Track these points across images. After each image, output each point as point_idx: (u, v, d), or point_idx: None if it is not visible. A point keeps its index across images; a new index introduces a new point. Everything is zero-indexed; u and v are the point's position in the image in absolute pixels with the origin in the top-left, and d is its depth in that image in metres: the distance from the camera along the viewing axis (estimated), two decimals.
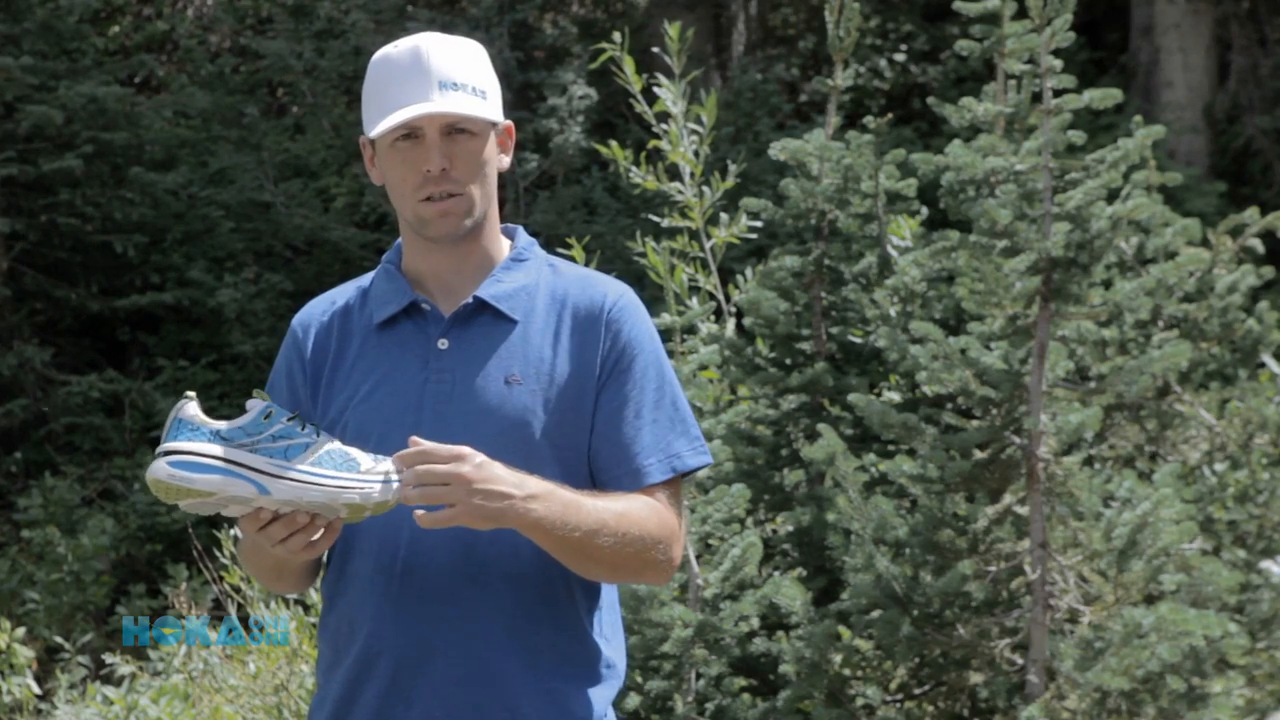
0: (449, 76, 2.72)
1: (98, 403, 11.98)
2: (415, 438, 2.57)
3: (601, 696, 2.77)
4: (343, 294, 2.88)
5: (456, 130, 2.73)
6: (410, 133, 2.73)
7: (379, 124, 2.72)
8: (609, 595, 2.83)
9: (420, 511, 2.55)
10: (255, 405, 2.57)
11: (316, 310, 2.88)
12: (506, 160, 2.84)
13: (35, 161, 11.97)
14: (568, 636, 2.75)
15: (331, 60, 13.51)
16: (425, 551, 2.69)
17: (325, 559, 2.83)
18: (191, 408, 2.54)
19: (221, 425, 2.54)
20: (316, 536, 2.57)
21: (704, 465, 2.81)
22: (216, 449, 2.51)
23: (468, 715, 2.69)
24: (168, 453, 2.51)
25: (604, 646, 2.79)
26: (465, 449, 2.55)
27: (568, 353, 2.76)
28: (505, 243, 2.87)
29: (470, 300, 2.77)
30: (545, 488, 2.61)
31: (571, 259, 5.01)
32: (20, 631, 7.02)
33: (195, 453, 2.51)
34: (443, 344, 2.76)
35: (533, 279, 2.81)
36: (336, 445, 2.57)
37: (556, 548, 2.64)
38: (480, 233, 2.80)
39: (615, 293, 2.80)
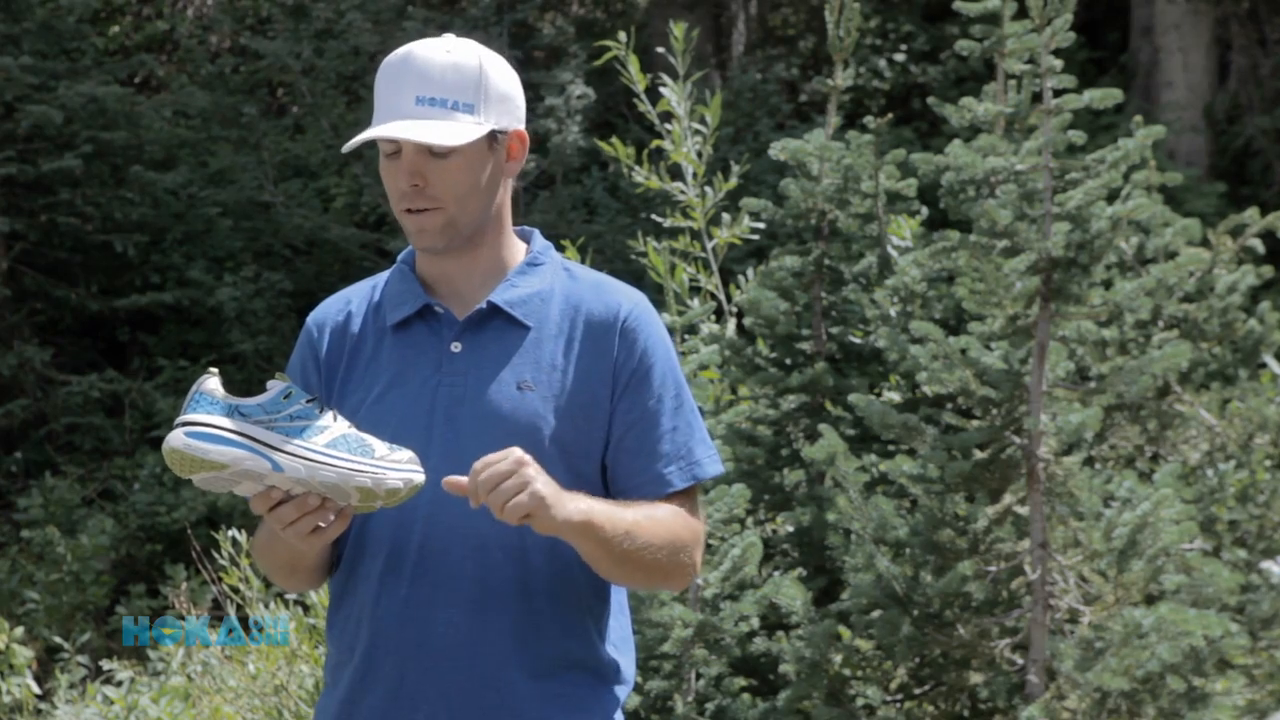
0: (429, 91, 2.69)
1: (98, 403, 11.98)
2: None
3: (610, 703, 2.77)
4: (358, 293, 2.87)
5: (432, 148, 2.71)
6: (393, 147, 2.72)
7: (354, 138, 2.73)
8: (618, 601, 2.82)
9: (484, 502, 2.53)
10: (275, 385, 2.57)
11: (332, 309, 2.87)
12: (515, 167, 2.80)
13: (35, 161, 11.98)
14: (577, 642, 2.74)
15: (330, 60, 13.52)
16: (435, 554, 2.69)
17: (336, 557, 2.83)
18: (212, 382, 2.55)
19: (240, 401, 2.55)
20: (326, 524, 2.57)
21: (720, 473, 2.83)
22: (233, 423, 2.52)
23: (473, 719, 2.69)
24: (185, 424, 2.52)
25: (613, 653, 2.79)
26: (521, 453, 2.56)
27: (579, 360, 2.75)
28: (520, 246, 2.85)
29: (484, 305, 2.77)
30: (583, 495, 2.62)
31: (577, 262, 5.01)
32: (20, 631, 7.01)
33: (212, 425, 2.51)
34: (456, 348, 2.75)
35: (547, 284, 2.80)
36: (353, 430, 2.57)
37: (600, 551, 2.64)
38: (482, 240, 2.79)
39: (630, 301, 2.79)
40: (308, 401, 2.57)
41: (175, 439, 2.51)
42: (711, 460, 2.80)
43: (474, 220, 2.75)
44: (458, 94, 2.70)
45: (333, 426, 2.56)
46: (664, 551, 2.69)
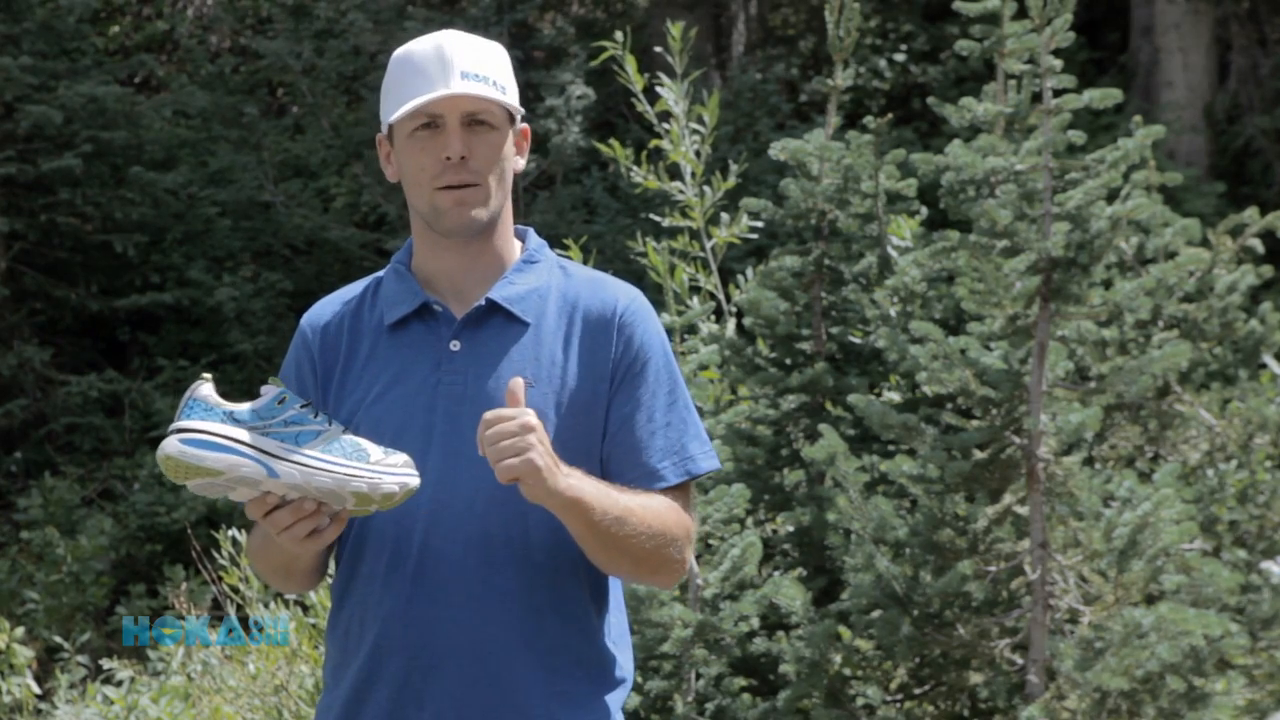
0: (471, 69, 2.73)
1: (97, 403, 11.98)
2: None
3: (613, 700, 2.78)
4: (352, 293, 2.88)
5: (477, 121, 2.74)
6: (431, 121, 2.73)
7: (401, 108, 2.72)
8: (616, 600, 2.83)
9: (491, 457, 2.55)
10: (269, 390, 2.58)
11: (326, 310, 2.87)
12: (521, 162, 2.84)
13: (35, 161, 11.97)
14: (580, 639, 2.75)
15: (331, 60, 13.52)
16: (438, 552, 2.70)
17: (335, 559, 2.83)
18: (206, 388, 2.56)
19: (235, 407, 2.55)
20: (323, 527, 2.58)
21: (714, 469, 2.83)
22: (228, 429, 2.53)
23: (479, 717, 2.69)
24: (179, 430, 2.52)
25: (614, 650, 2.80)
26: (530, 418, 2.57)
27: (579, 356, 2.76)
28: (517, 244, 2.87)
29: (482, 302, 2.77)
30: (579, 471, 2.63)
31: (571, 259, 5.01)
32: (20, 631, 7.02)
33: (207, 431, 2.52)
34: (455, 346, 2.76)
35: (544, 281, 2.81)
36: (348, 435, 2.58)
37: (588, 532, 2.64)
38: (493, 232, 2.80)
39: (627, 297, 2.81)
40: (302, 406, 2.57)
41: (170, 446, 2.52)
42: (705, 456, 2.81)
43: (499, 204, 2.78)
44: (496, 74, 2.76)
45: (327, 431, 2.56)
46: (653, 542, 2.69)
